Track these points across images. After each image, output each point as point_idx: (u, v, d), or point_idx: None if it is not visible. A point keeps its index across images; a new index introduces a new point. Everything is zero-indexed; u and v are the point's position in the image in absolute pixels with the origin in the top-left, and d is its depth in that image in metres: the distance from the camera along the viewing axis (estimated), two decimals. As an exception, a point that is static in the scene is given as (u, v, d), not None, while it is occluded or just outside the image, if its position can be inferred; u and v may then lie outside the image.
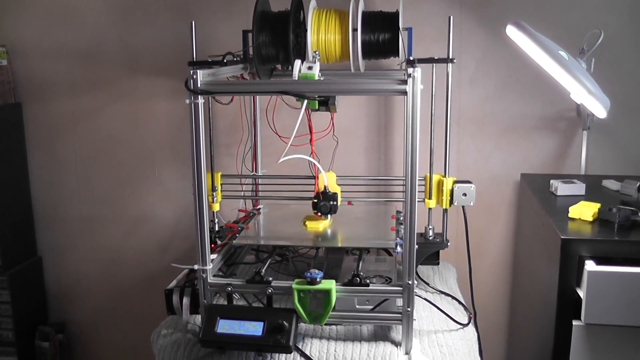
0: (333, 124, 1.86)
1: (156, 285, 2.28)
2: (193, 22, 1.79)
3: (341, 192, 1.72)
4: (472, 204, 1.77)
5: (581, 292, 1.47)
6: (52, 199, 2.42)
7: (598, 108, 1.69)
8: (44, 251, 2.47)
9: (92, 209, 2.40)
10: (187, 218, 2.35)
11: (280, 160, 1.49)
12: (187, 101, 1.39)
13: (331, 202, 1.65)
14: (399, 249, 1.52)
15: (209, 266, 1.48)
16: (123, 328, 2.50)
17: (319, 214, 1.67)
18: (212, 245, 1.66)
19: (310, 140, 1.70)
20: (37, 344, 2.38)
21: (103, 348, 2.54)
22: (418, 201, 1.40)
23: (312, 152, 1.70)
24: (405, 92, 1.33)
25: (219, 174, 1.87)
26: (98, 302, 2.49)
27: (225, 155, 2.20)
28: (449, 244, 1.83)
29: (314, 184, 1.70)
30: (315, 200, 1.66)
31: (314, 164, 1.67)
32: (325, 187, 1.65)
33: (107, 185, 2.38)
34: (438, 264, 1.94)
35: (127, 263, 2.43)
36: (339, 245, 1.72)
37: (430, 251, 1.83)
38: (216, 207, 1.86)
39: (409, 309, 1.43)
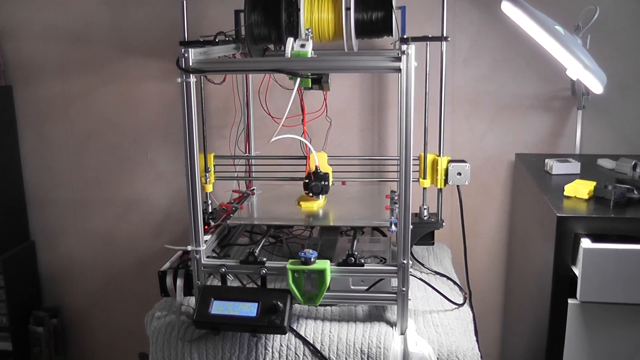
0: (326, 104, 1.84)
1: (150, 267, 2.25)
2: (184, 1, 1.76)
3: (335, 172, 1.71)
4: (467, 183, 1.75)
5: (577, 270, 1.47)
6: (44, 182, 2.40)
7: (594, 83, 1.67)
8: (37, 235, 2.45)
9: (84, 192, 2.38)
10: (180, 200, 2.34)
11: (272, 140, 1.48)
12: (179, 80, 1.37)
13: (322, 182, 1.64)
14: (393, 227, 1.51)
15: (203, 247, 1.47)
16: (117, 311, 2.49)
17: (311, 194, 1.66)
18: (206, 227, 1.65)
19: (303, 120, 1.69)
20: (32, 329, 2.37)
21: (97, 331, 2.54)
22: (412, 181, 1.39)
23: (304, 132, 1.68)
24: (399, 69, 1.32)
25: (212, 155, 1.86)
26: (92, 286, 2.48)
27: (218, 138, 2.18)
28: (443, 224, 1.82)
29: (306, 164, 1.69)
30: (307, 181, 1.65)
31: (306, 144, 1.66)
32: (316, 167, 1.64)
33: (99, 168, 2.36)
34: (433, 244, 1.93)
35: (121, 246, 2.42)
36: (333, 224, 1.71)
37: (424, 231, 1.82)
38: (209, 188, 1.85)
39: (404, 289, 1.43)
